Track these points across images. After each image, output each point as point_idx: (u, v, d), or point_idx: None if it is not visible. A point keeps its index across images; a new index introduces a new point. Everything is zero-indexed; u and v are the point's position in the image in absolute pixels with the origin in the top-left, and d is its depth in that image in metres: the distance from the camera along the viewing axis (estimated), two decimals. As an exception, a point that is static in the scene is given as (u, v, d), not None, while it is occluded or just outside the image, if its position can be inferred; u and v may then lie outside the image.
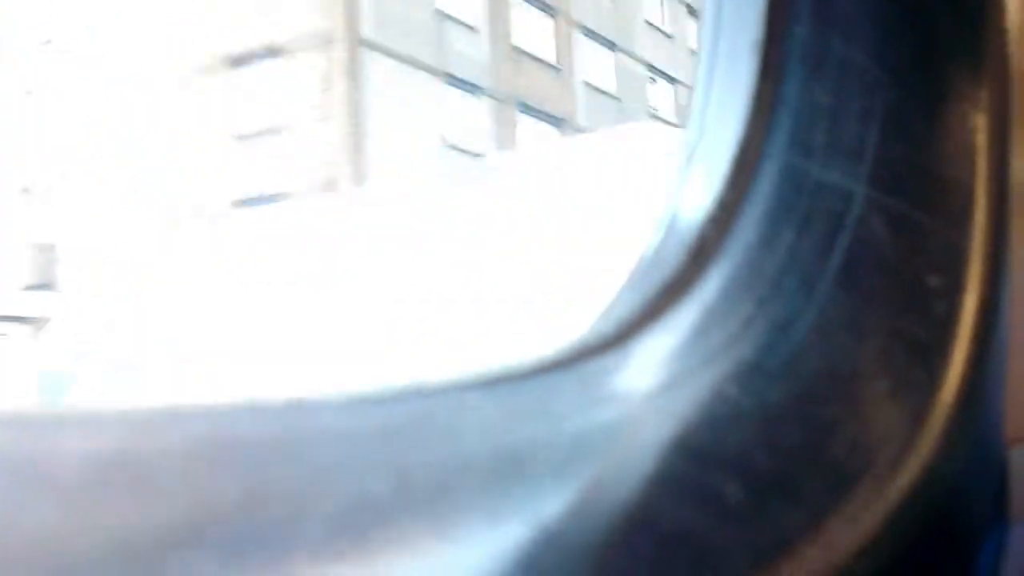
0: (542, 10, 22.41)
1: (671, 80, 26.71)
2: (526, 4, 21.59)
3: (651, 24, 26.33)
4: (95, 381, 12.05)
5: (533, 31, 22.12)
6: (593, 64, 24.00)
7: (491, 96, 20.33)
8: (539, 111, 21.85)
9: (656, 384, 0.48)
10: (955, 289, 0.52)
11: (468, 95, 19.69)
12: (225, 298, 11.90)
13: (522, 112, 21.35)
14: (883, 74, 0.55)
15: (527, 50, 21.75)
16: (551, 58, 22.60)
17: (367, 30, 17.92)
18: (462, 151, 18.72)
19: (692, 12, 26.46)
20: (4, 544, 0.27)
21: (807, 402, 0.48)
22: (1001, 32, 0.57)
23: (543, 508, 0.40)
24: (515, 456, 0.42)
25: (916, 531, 0.47)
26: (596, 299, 0.54)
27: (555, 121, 22.26)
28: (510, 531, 0.38)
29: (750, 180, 0.54)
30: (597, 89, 24.00)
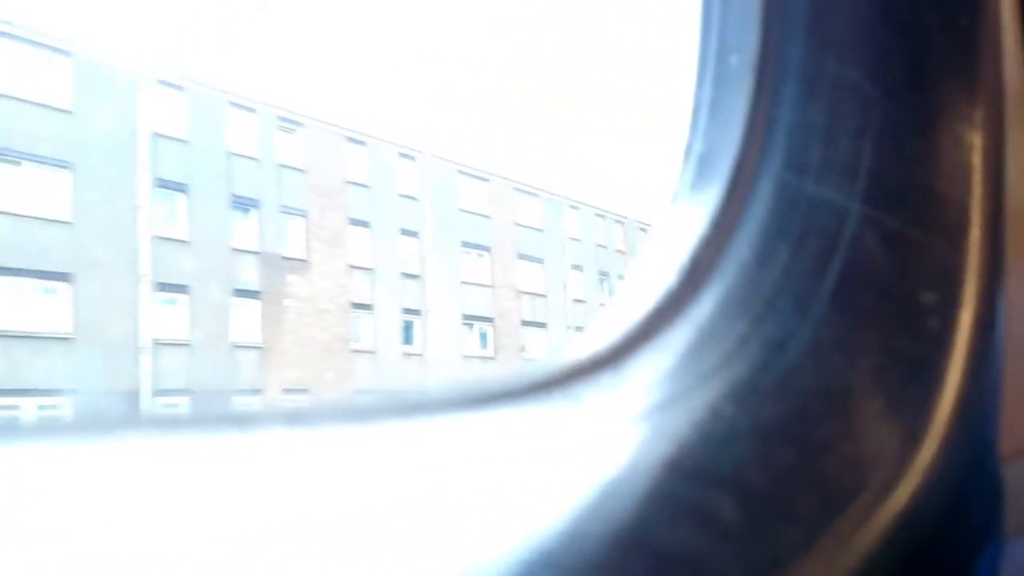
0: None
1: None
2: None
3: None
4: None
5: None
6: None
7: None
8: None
9: (651, 403, 0.48)
10: (950, 306, 0.52)
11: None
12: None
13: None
14: (877, 93, 0.55)
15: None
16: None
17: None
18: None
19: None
20: None
21: (801, 421, 0.48)
22: (995, 51, 0.57)
23: (537, 530, 0.40)
24: (508, 477, 0.42)
25: (911, 549, 0.47)
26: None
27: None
28: (505, 554, 0.39)
29: (745, 199, 0.54)
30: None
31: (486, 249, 19.60)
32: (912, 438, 0.49)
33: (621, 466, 0.45)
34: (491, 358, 18.11)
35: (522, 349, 18.74)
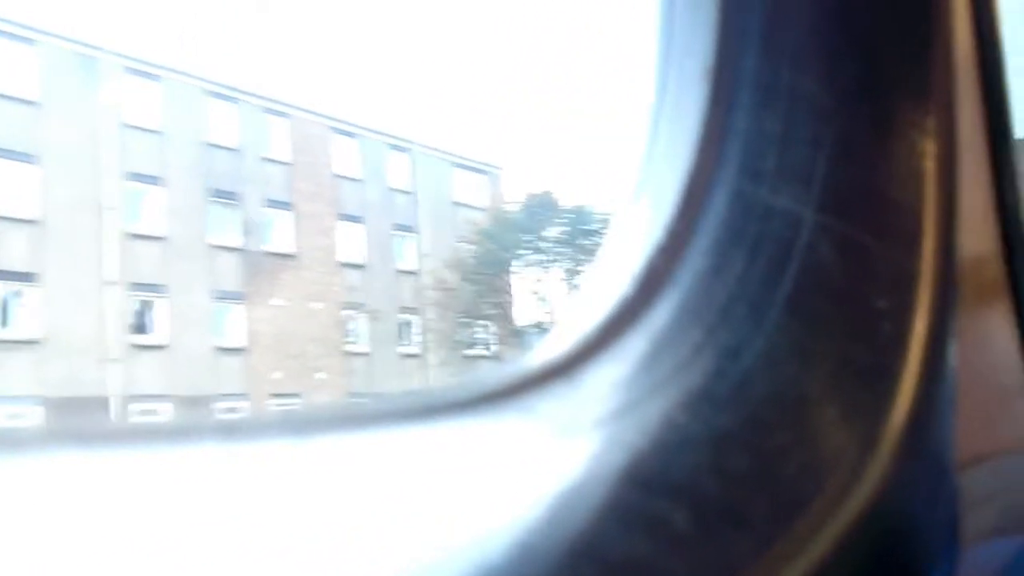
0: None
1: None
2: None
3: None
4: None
5: None
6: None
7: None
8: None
9: (604, 413, 0.48)
10: (904, 312, 0.52)
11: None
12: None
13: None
14: (832, 102, 0.55)
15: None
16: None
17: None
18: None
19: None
20: None
21: (756, 428, 0.48)
22: (948, 60, 0.57)
23: (488, 544, 0.40)
24: (457, 490, 0.41)
25: (866, 557, 0.47)
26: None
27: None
28: (454, 569, 0.38)
29: (700, 208, 0.54)
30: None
31: None
32: (867, 444, 0.49)
33: (574, 477, 0.45)
34: None
35: None
